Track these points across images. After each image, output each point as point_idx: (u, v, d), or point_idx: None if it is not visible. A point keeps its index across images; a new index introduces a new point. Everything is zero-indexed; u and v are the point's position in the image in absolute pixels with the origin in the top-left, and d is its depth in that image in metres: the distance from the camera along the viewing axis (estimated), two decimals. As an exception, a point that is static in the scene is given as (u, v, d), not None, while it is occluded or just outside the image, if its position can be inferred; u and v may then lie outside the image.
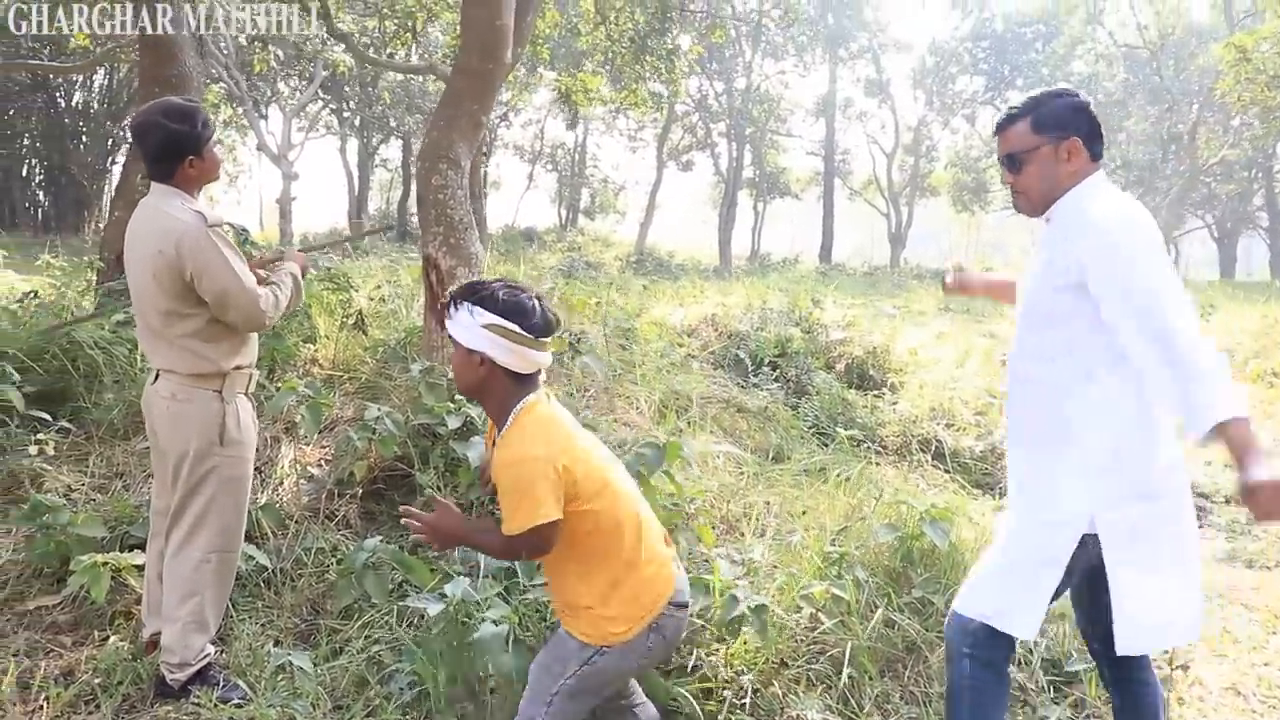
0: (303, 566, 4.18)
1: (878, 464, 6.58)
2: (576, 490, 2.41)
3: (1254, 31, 17.51)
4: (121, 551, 4.08)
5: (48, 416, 4.96)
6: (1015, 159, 2.69)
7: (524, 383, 2.49)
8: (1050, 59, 35.12)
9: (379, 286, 6.79)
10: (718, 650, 3.54)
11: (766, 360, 8.76)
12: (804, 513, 4.67)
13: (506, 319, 2.42)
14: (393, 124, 31.95)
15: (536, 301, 2.49)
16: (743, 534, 4.52)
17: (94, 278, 7.07)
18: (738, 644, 3.54)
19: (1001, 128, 2.75)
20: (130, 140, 31.64)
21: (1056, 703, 3.69)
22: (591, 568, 2.50)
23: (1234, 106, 19.21)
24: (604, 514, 2.47)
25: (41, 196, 29.97)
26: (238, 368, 3.43)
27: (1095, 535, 2.55)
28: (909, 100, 43.62)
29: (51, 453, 4.79)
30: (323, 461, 5.02)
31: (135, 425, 5.36)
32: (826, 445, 6.84)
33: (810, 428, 7.14)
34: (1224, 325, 12.47)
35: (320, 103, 30.78)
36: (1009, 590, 2.65)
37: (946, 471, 6.72)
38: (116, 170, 33.02)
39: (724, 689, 3.40)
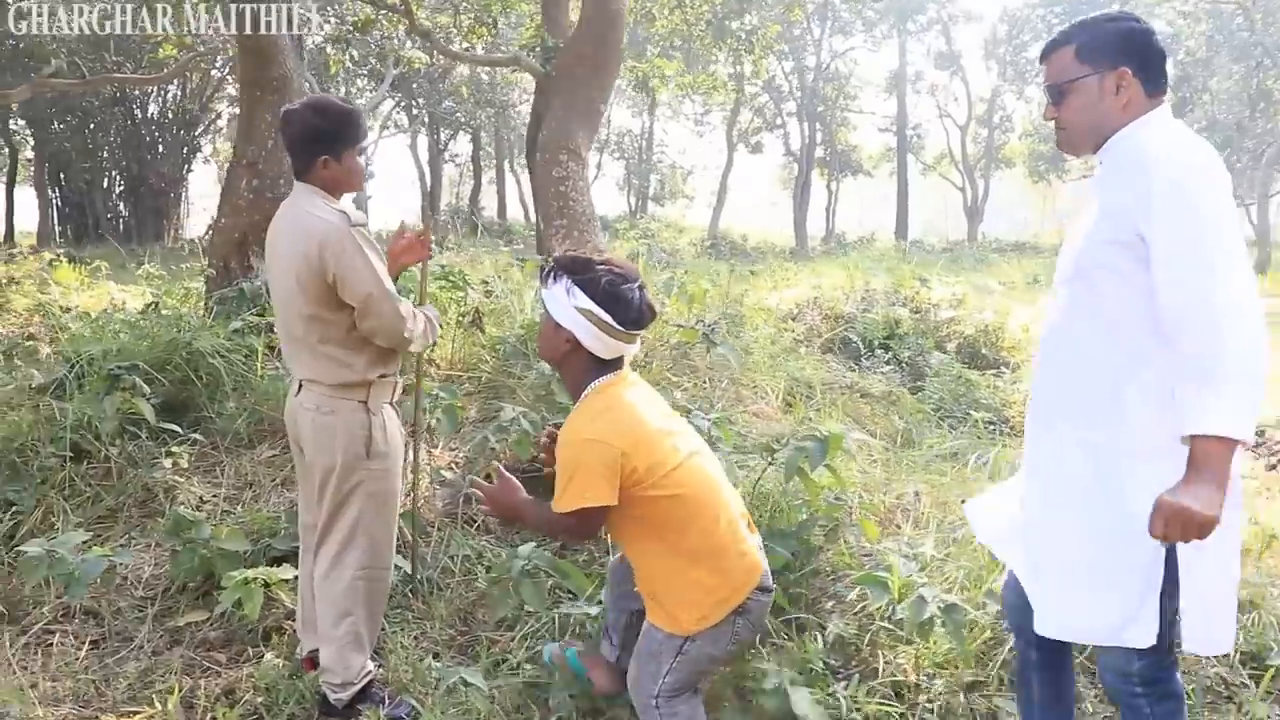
0: (450, 575, 4.05)
1: (1010, 446, 6.29)
2: (640, 476, 2.41)
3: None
4: (265, 565, 4.01)
5: (177, 428, 4.91)
6: (1057, 89, 2.36)
7: (605, 364, 2.54)
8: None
9: (486, 282, 6.65)
10: (905, 652, 3.34)
11: (877, 343, 8.48)
12: (964, 501, 4.42)
13: (602, 307, 2.47)
14: (461, 119, 32.05)
15: (637, 292, 2.51)
16: (899, 526, 4.29)
17: (203, 286, 7.04)
18: (927, 645, 3.33)
19: (1045, 54, 2.42)
20: (221, 144, 32.00)
21: (1264, 700, 3.42)
22: (672, 551, 2.50)
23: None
24: (680, 499, 2.46)
25: (122, 207, 30.57)
26: (382, 376, 3.26)
27: None
28: (981, 71, 42.55)
29: (185, 465, 4.73)
30: (453, 465, 4.90)
31: (260, 434, 5.30)
32: (953, 428, 6.57)
33: (935, 410, 6.86)
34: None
35: (390, 101, 30.95)
36: (1126, 601, 2.26)
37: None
38: (192, 179, 33.81)
39: (916, 693, 3.20)
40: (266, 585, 3.55)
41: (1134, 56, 2.27)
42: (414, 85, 29.35)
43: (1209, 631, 2.28)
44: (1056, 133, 2.43)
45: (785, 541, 3.66)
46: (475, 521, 4.46)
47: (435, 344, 3.42)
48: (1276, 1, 29.06)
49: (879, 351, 8.26)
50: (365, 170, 3.29)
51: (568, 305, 2.49)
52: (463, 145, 38.71)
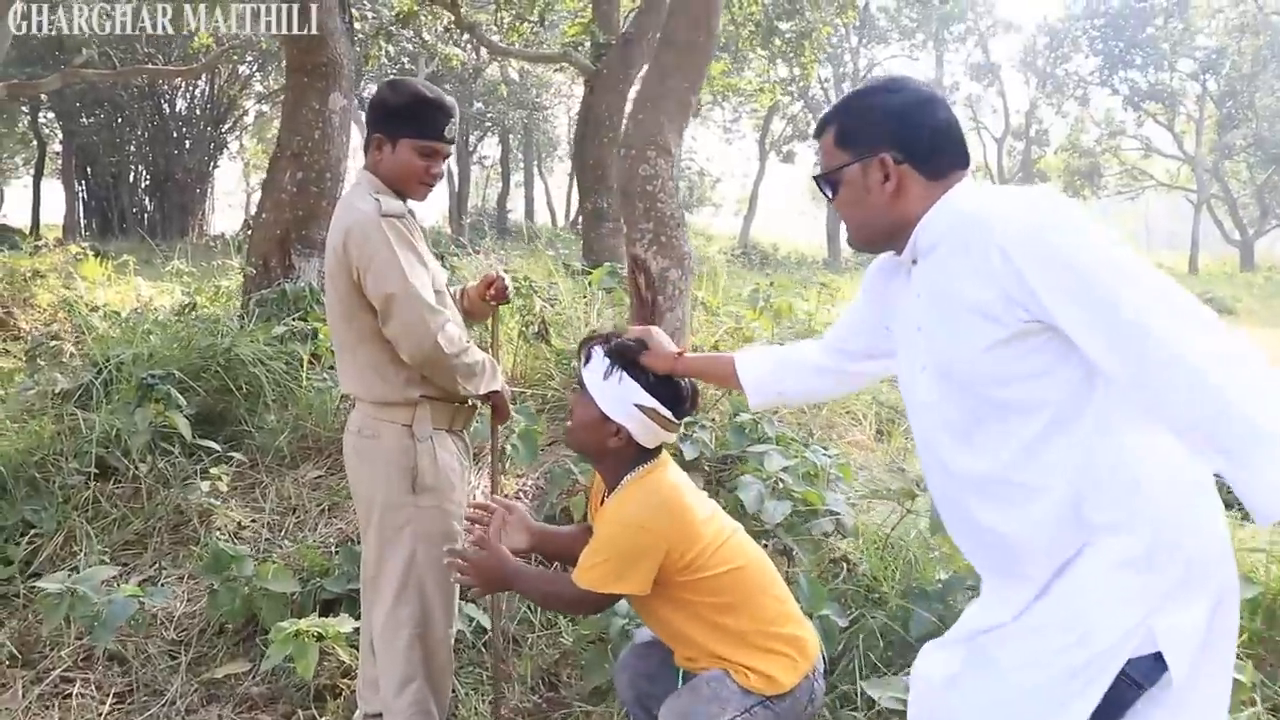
0: (529, 627, 3.52)
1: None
2: (689, 562, 2.25)
3: None
4: (315, 610, 3.50)
5: (214, 445, 4.40)
6: (824, 181, 1.96)
7: (649, 452, 2.37)
8: (1170, 34, 33.22)
9: (549, 287, 6.13)
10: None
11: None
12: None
13: (662, 403, 2.32)
14: (491, 120, 31.58)
15: (686, 381, 2.40)
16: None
17: (238, 286, 6.55)
18: None
19: (816, 135, 2.01)
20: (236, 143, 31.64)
21: None
22: (738, 622, 2.29)
23: None
24: (741, 571, 2.30)
25: (147, 202, 30.23)
26: (426, 397, 2.73)
27: (1143, 659, 1.67)
28: (1019, 83, 41.91)
29: (225, 489, 4.22)
30: (521, 494, 4.38)
31: (304, 452, 4.79)
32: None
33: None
34: None
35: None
36: None
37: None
38: (218, 175, 33.41)
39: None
40: (320, 638, 3.04)
41: (895, 138, 1.85)
42: (445, 86, 28.94)
43: None
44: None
45: (927, 604, 3.12)
46: (552, 563, 3.93)
47: (491, 388, 2.80)
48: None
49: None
50: (430, 175, 2.76)
51: (622, 399, 2.30)
52: (490, 147, 38.27)
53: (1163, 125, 36.26)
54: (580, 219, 11.18)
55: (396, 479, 2.70)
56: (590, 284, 5.89)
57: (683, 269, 4.62)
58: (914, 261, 1.92)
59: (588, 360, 2.38)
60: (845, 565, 3.42)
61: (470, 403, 2.85)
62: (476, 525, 2.52)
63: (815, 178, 2.01)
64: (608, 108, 10.52)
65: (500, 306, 3.06)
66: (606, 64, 10.60)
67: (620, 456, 2.35)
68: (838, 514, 3.41)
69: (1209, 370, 1.49)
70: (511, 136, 34.81)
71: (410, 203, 2.81)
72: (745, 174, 37.60)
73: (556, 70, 21.31)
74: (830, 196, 1.99)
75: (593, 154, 10.63)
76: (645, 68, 6.12)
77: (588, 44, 11.47)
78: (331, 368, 5.28)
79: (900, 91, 1.90)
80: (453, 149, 2.83)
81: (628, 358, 2.35)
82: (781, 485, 3.36)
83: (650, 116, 4.56)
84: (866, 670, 3.01)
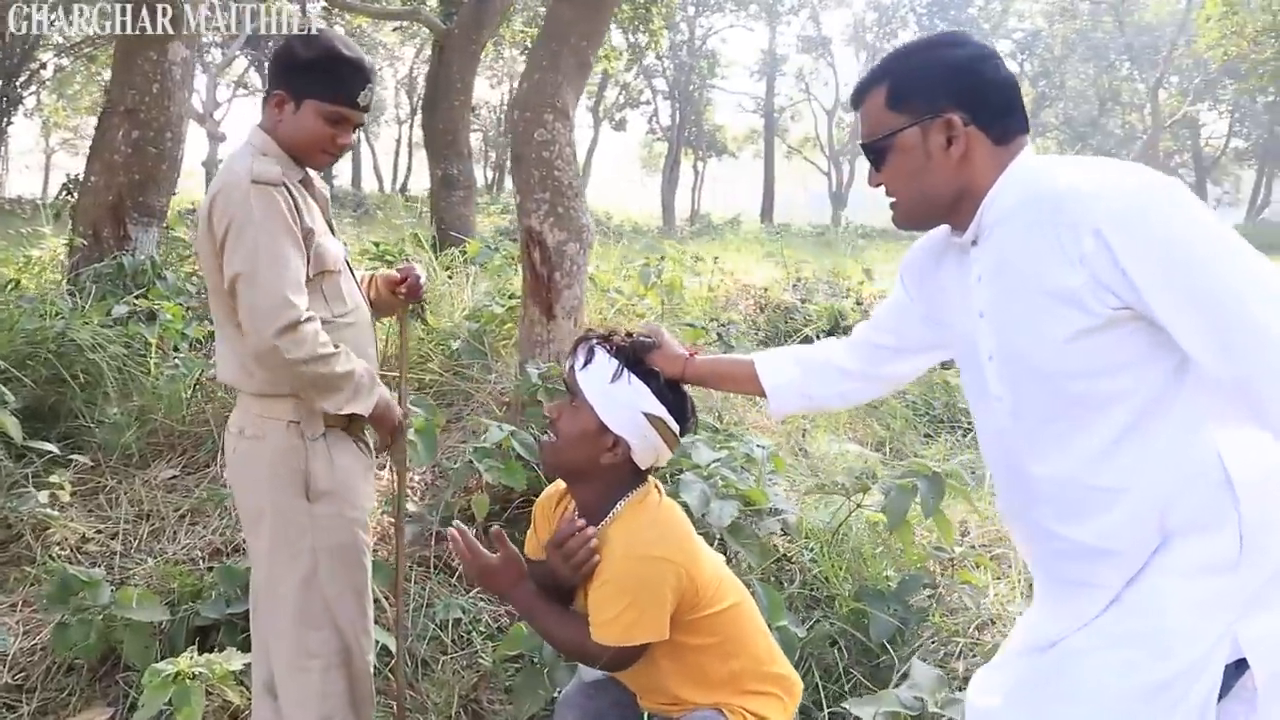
0: (440, 647, 3.14)
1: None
2: (696, 595, 1.96)
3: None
4: (187, 640, 3.02)
5: (50, 447, 3.80)
6: (872, 149, 1.70)
7: (640, 475, 2.04)
8: (990, 15, 34.57)
9: (406, 260, 5.65)
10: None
11: (823, 337, 7.83)
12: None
13: (672, 413, 2.00)
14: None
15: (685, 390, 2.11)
16: (973, 566, 3.57)
17: (68, 257, 5.81)
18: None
19: (856, 99, 1.74)
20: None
21: None
22: (741, 666, 2.02)
23: (1216, 60, 18.77)
24: (739, 607, 2.04)
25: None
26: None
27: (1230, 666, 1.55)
28: (849, 57, 42.82)
29: (67, 498, 3.65)
30: (414, 491, 3.97)
31: (155, 449, 4.24)
32: (939, 436, 5.97)
33: (921, 415, 6.24)
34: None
35: (244, 59, 28.88)
36: None
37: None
38: (13, 134, 30.77)
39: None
40: (201, 677, 2.58)
41: (963, 95, 1.61)
42: (270, 43, 27.38)
43: None
44: (890, 206, 1.75)
45: (883, 605, 2.91)
46: (453, 567, 3.55)
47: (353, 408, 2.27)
48: (1135, 2, 30.03)
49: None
50: (336, 145, 2.31)
51: (631, 408, 1.97)
52: (315, 110, 36.49)
53: (982, 101, 37.68)
54: (430, 187, 10.59)
55: (287, 485, 2.27)
56: (464, 257, 5.45)
57: (581, 242, 4.27)
58: (973, 241, 1.68)
59: (586, 361, 2.01)
60: (795, 567, 3.17)
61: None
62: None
63: (863, 145, 1.71)
64: (459, 69, 10.00)
65: (411, 305, 2.67)
66: (458, 23, 10.07)
67: (611, 478, 2.01)
68: (784, 512, 3.16)
69: None
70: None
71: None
72: (579, 142, 37.09)
73: (395, 29, 20.37)
74: (877, 167, 1.71)
75: (443, 118, 10.09)
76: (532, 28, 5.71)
77: (436, 1, 10.88)
78: (178, 350, 4.72)
79: (964, 45, 1.66)
80: (365, 119, 2.41)
81: (637, 358, 2.02)
82: (724, 482, 3.07)
83: (547, 76, 4.17)
84: (825, 680, 2.77)
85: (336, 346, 2.21)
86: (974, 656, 2.97)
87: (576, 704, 2.26)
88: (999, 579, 3.38)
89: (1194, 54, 24.47)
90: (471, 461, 3.53)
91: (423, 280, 2.60)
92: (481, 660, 3.05)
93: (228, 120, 25.99)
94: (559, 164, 4.16)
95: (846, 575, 3.09)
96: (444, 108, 10.00)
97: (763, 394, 2.10)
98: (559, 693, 2.64)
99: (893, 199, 1.73)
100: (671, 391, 2.02)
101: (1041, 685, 1.67)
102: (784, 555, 3.23)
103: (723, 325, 5.39)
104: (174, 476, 4.12)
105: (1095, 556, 1.60)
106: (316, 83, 2.25)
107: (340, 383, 2.22)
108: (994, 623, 3.21)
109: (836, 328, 8.03)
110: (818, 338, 7.73)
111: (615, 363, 1.99)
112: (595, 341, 2.03)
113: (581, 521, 1.96)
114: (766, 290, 8.84)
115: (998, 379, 1.67)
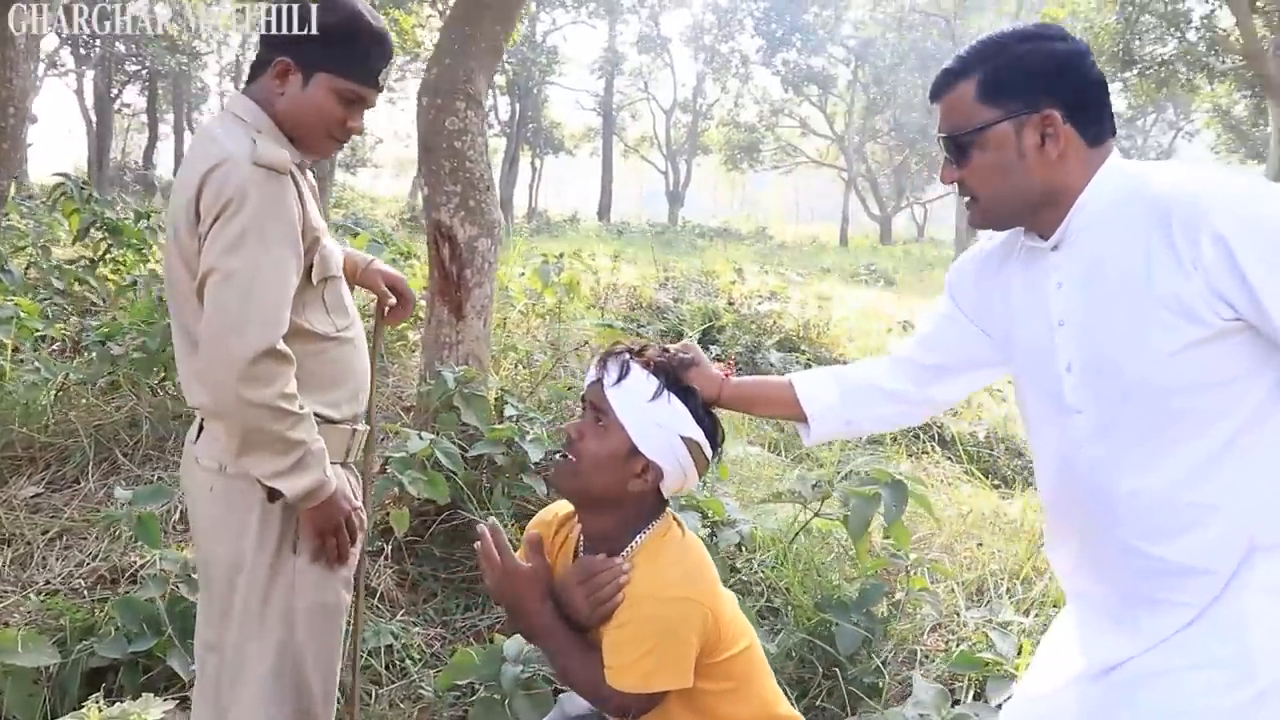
0: (375, 679, 2.87)
1: (900, 458, 5.77)
2: (719, 643, 1.79)
3: (1070, 4, 17.88)
4: (83, 685, 2.68)
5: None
6: (955, 143, 1.62)
7: (662, 504, 1.88)
8: (825, 22, 35.54)
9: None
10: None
11: (698, 337, 7.79)
12: (979, 545, 3.76)
13: (709, 438, 1.82)
14: (136, 65, 28.41)
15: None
16: (908, 574, 3.54)
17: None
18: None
19: (937, 92, 1.67)
20: None
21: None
22: (759, 709, 1.87)
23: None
24: (752, 647, 1.87)
25: None
26: (326, 419, 2.00)
27: None
28: (687, 58, 43.32)
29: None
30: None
31: (12, 463, 3.79)
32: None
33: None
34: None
35: (55, 36, 26.90)
36: None
37: (959, 462, 5.98)
38: None
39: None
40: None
41: (1063, 91, 1.56)
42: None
43: None
44: (966, 203, 1.69)
45: (846, 615, 2.82)
46: (373, 590, 3.28)
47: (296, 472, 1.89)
48: (966, 13, 31.42)
49: (711, 348, 7.56)
50: (347, 130, 2.02)
51: (669, 430, 1.77)
52: (132, 95, 34.43)
53: (817, 107, 38.78)
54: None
55: (271, 535, 1.96)
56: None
57: (493, 238, 4.05)
58: (1054, 247, 1.60)
59: (620, 378, 1.80)
60: (750, 580, 3.05)
61: (362, 425, 2.18)
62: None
63: (946, 138, 1.61)
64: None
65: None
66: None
67: (634, 507, 1.81)
68: (739, 523, 3.04)
69: None
70: (160, 83, 31.53)
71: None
72: (408, 134, 36.23)
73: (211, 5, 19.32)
74: (958, 162, 1.60)
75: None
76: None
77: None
78: (37, 351, 4.26)
79: (1066, 39, 1.57)
80: (377, 101, 2.12)
81: (675, 377, 1.83)
82: (684, 495, 2.93)
83: (458, 61, 3.92)
84: (798, 697, 2.67)
85: (301, 408, 1.87)
86: (932, 662, 2.93)
87: None
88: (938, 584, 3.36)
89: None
90: (391, 473, 3.28)
91: (414, 299, 2.35)
92: (423, 691, 2.81)
93: (38, 101, 24.11)
94: (471, 155, 3.93)
95: (803, 586, 3.00)
96: None
97: (801, 418, 1.95)
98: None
99: (971, 196, 1.63)
100: (711, 418, 1.86)
101: (1114, 708, 1.59)
102: (733, 567, 3.11)
103: (641, 326, 5.25)
104: (37, 494, 3.69)
105: (1183, 575, 1.54)
106: (335, 54, 1.95)
107: (287, 449, 1.85)
108: (941, 627, 3.18)
109: (711, 327, 8.02)
110: (696, 339, 7.70)
111: (656, 381, 1.80)
112: (628, 357, 1.82)
113: (614, 559, 1.77)
114: (637, 289, 8.74)
115: (1078, 391, 1.59)
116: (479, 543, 1.84)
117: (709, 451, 1.84)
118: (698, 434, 1.80)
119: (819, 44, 35.18)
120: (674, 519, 1.89)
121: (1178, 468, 1.51)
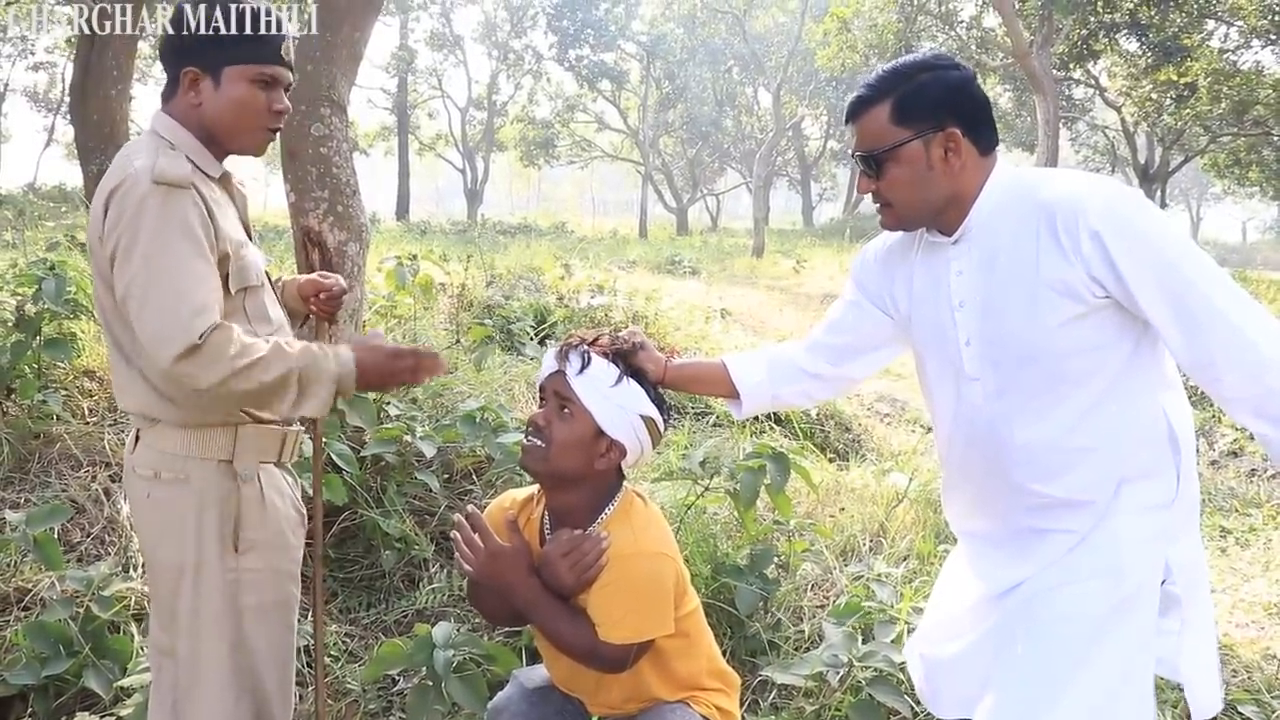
0: (299, 677, 2.92)
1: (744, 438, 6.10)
2: (683, 599, 2.04)
3: (854, 4, 19.01)
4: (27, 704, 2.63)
5: None
6: (873, 159, 1.90)
7: (621, 478, 2.09)
8: (617, 18, 36.03)
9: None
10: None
11: (531, 335, 7.91)
12: (842, 510, 4.10)
13: (661, 411, 2.06)
14: None
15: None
16: (790, 539, 3.80)
17: None
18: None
19: (853, 114, 1.94)
20: None
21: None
22: (708, 662, 2.13)
23: (832, 71, 20.97)
24: (695, 614, 2.10)
25: None
26: (252, 415, 2.07)
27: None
28: (480, 55, 43.02)
29: None
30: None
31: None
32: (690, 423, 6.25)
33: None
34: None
35: None
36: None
37: (795, 438, 6.37)
38: None
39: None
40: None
41: (961, 112, 1.87)
42: None
43: (1207, 690, 1.98)
44: (880, 209, 1.98)
45: (742, 578, 3.08)
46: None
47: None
48: (759, 9, 32.55)
49: (547, 344, 7.70)
50: (275, 114, 2.06)
51: (628, 411, 1.99)
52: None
53: (611, 102, 39.29)
54: (84, 184, 9.59)
55: (214, 537, 2.02)
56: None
57: (361, 242, 4.10)
58: (954, 241, 1.93)
59: (584, 367, 1.98)
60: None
61: (295, 426, 2.24)
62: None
63: (864, 156, 1.90)
64: (114, 55, 9.10)
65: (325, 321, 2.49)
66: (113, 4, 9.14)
67: (600, 482, 2.02)
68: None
69: (1271, 356, 1.66)
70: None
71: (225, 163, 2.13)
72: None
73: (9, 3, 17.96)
74: (874, 176, 1.90)
75: (97, 109, 9.15)
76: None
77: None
78: None
79: (957, 68, 1.90)
80: (292, 78, 2.17)
81: (629, 361, 2.06)
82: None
83: (320, 68, 3.95)
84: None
85: (259, 349, 1.88)
86: (815, 619, 3.22)
87: (519, 712, 2.22)
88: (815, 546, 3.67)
89: (797, 64, 27.33)
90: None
91: (345, 293, 2.42)
92: (350, 685, 2.89)
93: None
94: (337, 160, 3.97)
95: (700, 555, 3.24)
96: (97, 98, 9.07)
97: (734, 395, 2.22)
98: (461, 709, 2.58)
99: (885, 203, 1.93)
100: (661, 399, 2.08)
101: (1015, 621, 1.92)
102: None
103: (513, 323, 5.32)
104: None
105: (1068, 507, 1.89)
106: (231, 45, 1.98)
107: (279, 389, 1.90)
108: (819, 584, 3.48)
109: (543, 323, 8.15)
110: (530, 337, 7.84)
111: (615, 368, 2.01)
112: (586, 347, 2.03)
113: (578, 532, 1.97)
114: (464, 288, 8.78)
115: (976, 361, 1.91)
116: (455, 531, 1.99)
117: (662, 426, 2.07)
118: (653, 411, 2.04)
119: (611, 40, 35.65)
120: (634, 492, 2.09)
121: (1063, 419, 1.85)
